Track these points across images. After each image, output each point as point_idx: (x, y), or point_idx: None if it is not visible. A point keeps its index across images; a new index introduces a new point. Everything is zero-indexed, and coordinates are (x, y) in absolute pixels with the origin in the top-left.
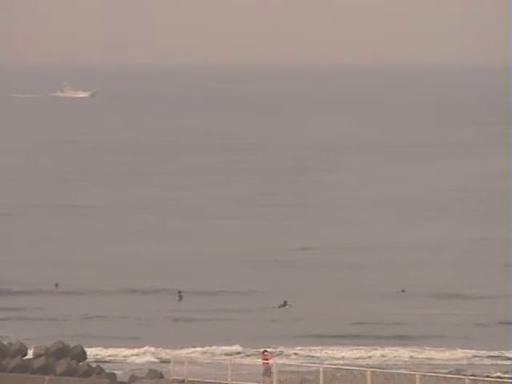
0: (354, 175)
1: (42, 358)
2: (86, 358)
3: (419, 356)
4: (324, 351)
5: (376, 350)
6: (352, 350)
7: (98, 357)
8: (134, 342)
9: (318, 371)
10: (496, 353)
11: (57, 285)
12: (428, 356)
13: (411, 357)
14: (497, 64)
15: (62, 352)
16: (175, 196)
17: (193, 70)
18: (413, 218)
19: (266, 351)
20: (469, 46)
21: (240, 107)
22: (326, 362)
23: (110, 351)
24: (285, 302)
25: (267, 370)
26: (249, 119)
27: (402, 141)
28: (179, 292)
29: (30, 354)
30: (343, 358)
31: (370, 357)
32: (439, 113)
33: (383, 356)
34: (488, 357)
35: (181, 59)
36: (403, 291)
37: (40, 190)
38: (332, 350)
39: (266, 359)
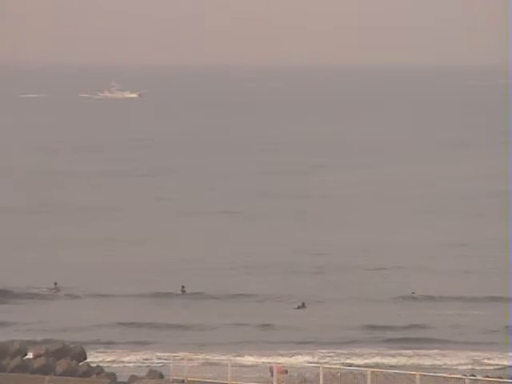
0: (359, 177)
1: (42, 357)
2: (85, 358)
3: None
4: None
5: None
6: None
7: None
8: (137, 345)
9: (318, 371)
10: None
11: (56, 284)
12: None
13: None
14: (497, 65)
15: (61, 352)
16: (177, 197)
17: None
18: (421, 220)
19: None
20: (469, 47)
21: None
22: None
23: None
24: (303, 304)
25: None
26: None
27: (411, 141)
28: (182, 287)
29: (30, 354)
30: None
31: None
32: (439, 113)
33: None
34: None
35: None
36: (413, 293)
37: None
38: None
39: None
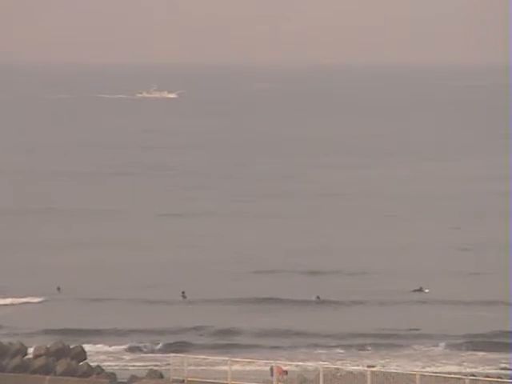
0: (360, 176)
1: (42, 357)
2: (85, 358)
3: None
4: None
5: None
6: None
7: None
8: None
9: (318, 371)
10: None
11: (59, 288)
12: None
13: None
14: (497, 64)
15: (61, 352)
16: (187, 199)
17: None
18: (422, 221)
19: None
20: (468, 47)
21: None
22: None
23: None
24: (317, 298)
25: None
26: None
27: (411, 141)
28: (183, 292)
29: (30, 354)
30: None
31: None
32: (438, 113)
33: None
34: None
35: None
36: (420, 290)
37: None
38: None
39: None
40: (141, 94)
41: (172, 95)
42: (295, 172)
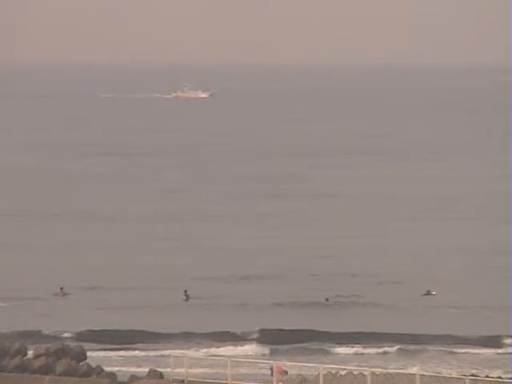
0: (359, 177)
1: (42, 358)
2: (85, 358)
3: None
4: None
5: None
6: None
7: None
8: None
9: (318, 371)
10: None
11: (62, 289)
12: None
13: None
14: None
15: (61, 352)
16: (187, 198)
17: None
18: (423, 222)
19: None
20: (468, 46)
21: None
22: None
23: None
24: (326, 300)
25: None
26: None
27: (411, 140)
28: (185, 291)
29: (30, 354)
30: None
31: None
32: (437, 112)
33: None
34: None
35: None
36: (428, 292)
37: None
38: None
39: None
40: (175, 93)
41: (205, 94)
42: (296, 172)
